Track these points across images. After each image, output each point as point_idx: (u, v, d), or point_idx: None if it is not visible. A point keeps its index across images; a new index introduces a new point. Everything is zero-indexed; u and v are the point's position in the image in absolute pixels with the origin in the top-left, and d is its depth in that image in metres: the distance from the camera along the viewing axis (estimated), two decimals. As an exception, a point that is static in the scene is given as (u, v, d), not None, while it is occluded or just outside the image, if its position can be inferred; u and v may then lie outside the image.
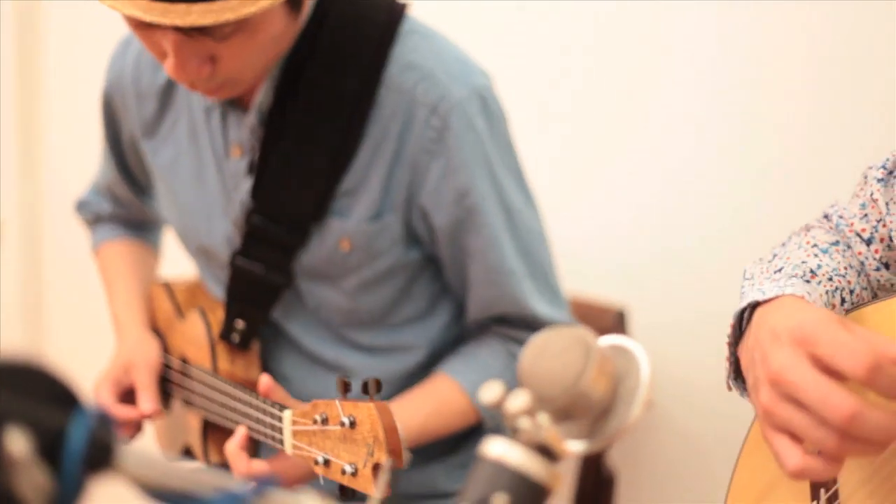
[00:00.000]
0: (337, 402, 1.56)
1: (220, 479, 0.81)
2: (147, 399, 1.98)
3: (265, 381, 1.75)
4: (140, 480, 0.78)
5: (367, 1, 1.96)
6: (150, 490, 0.78)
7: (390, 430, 1.51)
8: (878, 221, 1.50)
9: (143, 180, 2.30)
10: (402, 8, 1.97)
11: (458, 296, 2.09)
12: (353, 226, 1.94)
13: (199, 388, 1.97)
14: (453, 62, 1.95)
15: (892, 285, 1.50)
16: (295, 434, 1.66)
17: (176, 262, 2.45)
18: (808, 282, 1.39)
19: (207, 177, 2.06)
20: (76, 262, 3.16)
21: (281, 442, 1.69)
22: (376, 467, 1.51)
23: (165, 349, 2.12)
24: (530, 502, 0.91)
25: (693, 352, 1.63)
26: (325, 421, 1.59)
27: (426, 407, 1.97)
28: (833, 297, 1.40)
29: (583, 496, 2.57)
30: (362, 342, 2.06)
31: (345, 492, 1.56)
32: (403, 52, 1.92)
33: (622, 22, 2.66)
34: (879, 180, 1.51)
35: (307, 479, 1.81)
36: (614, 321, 2.53)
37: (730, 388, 1.43)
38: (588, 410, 0.96)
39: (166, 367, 2.08)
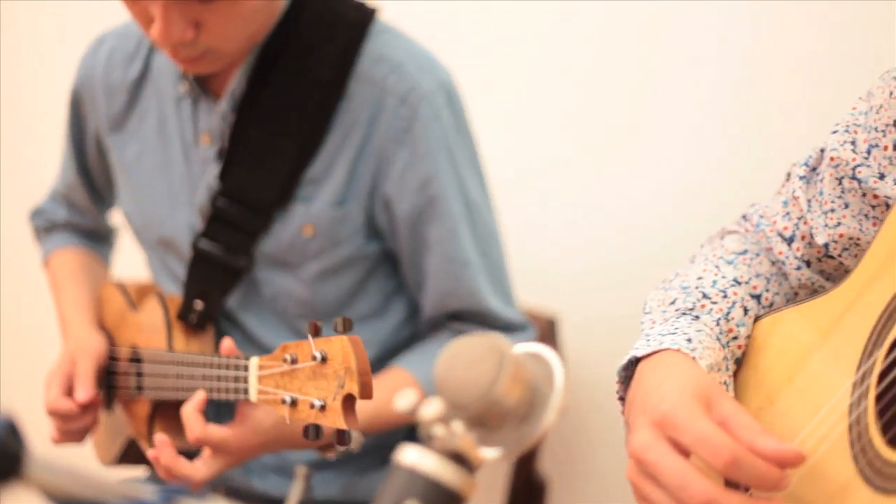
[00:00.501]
0: (310, 338, 1.58)
1: (130, 489, 0.81)
2: (83, 387, 1.98)
3: (227, 342, 1.78)
4: (48, 489, 0.78)
5: (340, 1, 2.05)
6: (59, 499, 0.78)
7: (362, 360, 1.53)
8: (800, 219, 1.52)
9: (101, 184, 2.33)
10: (373, 11, 2.06)
11: (413, 295, 2.13)
12: (317, 211, 2.00)
13: (152, 370, 1.98)
14: (421, 57, 2.04)
15: (812, 284, 1.52)
16: (261, 379, 1.67)
17: (128, 268, 2.45)
18: (696, 318, 1.42)
19: (173, 167, 2.10)
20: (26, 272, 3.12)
21: (246, 391, 1.70)
22: (347, 399, 1.53)
23: (113, 345, 2.12)
24: (442, 509, 0.92)
25: (622, 357, 1.66)
26: (294, 361, 1.60)
27: (379, 394, 1.98)
28: (728, 318, 1.42)
29: (514, 503, 2.59)
30: None
31: (308, 432, 1.57)
32: (374, 47, 2.01)
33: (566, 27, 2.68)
34: (801, 178, 1.53)
35: (260, 448, 1.81)
36: (545, 329, 2.55)
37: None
38: (502, 417, 0.97)
39: (112, 359, 2.09)
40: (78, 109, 2.26)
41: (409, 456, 0.93)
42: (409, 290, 2.14)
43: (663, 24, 2.60)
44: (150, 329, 2.06)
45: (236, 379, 1.73)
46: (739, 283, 1.47)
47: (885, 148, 1.40)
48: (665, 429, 1.20)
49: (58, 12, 3.24)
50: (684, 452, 1.19)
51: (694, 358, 1.33)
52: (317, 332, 1.57)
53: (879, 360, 1.18)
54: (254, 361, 1.69)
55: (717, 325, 1.41)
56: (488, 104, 2.57)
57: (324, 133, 1.99)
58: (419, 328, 2.16)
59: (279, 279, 2.05)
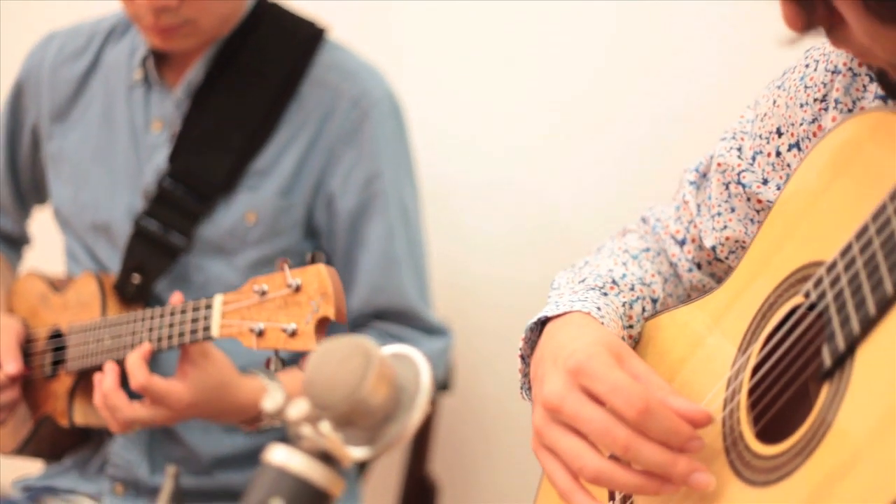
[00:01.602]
0: (285, 268, 1.62)
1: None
2: (11, 360, 2.03)
3: (178, 295, 1.85)
4: None
5: (294, 20, 2.22)
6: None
7: (338, 286, 1.58)
8: (690, 223, 1.56)
9: (27, 183, 2.38)
10: (324, 30, 2.22)
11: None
12: (262, 199, 2.09)
13: (77, 341, 2.00)
14: (371, 70, 2.23)
15: (703, 286, 1.56)
16: (225, 314, 1.71)
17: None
18: (605, 294, 1.45)
19: (117, 153, 2.18)
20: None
21: (207, 329, 1.74)
22: (321, 322, 1.57)
23: (29, 330, 2.16)
24: (308, 506, 0.92)
25: (515, 364, 1.68)
26: (264, 293, 1.64)
27: (296, 388, 2.00)
28: (632, 307, 1.46)
29: (406, 505, 2.60)
30: None
31: (270, 363, 1.63)
32: (328, 57, 2.19)
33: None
34: (692, 183, 1.57)
35: (195, 409, 1.85)
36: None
37: (523, 398, 1.46)
38: (369, 417, 0.98)
39: (28, 342, 2.13)
40: (18, 101, 2.33)
41: (278, 455, 0.95)
42: None
43: (553, 27, 2.63)
44: (77, 306, 2.09)
45: (194, 320, 1.77)
46: (644, 284, 1.50)
47: (769, 154, 1.44)
48: (580, 377, 1.21)
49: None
50: (597, 402, 1.20)
51: (602, 323, 1.36)
52: (289, 268, 1.63)
53: (753, 356, 1.21)
54: (218, 298, 1.73)
55: (623, 307, 1.44)
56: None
57: (273, 128, 2.11)
58: (345, 329, 2.17)
59: (213, 265, 2.11)
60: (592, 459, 1.19)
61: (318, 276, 1.59)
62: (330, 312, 1.57)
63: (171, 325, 1.81)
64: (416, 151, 2.26)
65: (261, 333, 1.63)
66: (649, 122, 2.57)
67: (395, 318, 2.16)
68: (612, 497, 1.37)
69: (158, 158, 2.13)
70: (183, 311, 1.80)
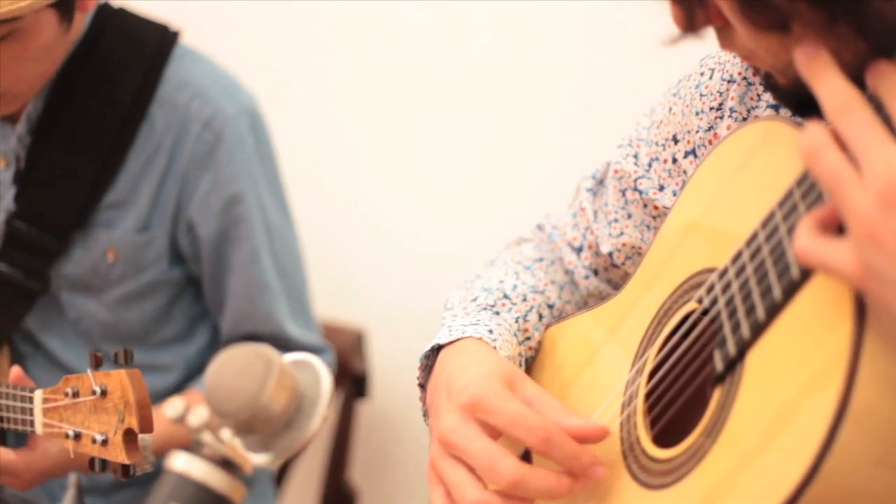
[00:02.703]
0: (89, 372, 1.57)
1: None
2: None
3: (15, 370, 1.74)
4: None
5: (141, 25, 2.03)
6: None
7: (141, 393, 1.52)
8: (587, 229, 1.58)
9: None
10: (175, 34, 2.04)
11: (215, 317, 2.14)
12: (120, 236, 1.99)
13: None
14: (224, 82, 2.05)
15: (600, 292, 1.57)
16: (46, 412, 1.65)
17: None
18: (497, 313, 1.45)
19: None
20: None
21: (32, 424, 1.68)
22: (128, 433, 1.52)
23: None
24: (208, 513, 0.94)
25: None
26: (76, 394, 1.59)
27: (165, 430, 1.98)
28: (526, 319, 1.47)
29: (326, 514, 2.61)
30: None
31: (94, 464, 1.57)
32: (177, 72, 2.01)
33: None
34: (589, 190, 1.58)
35: (47, 474, 1.78)
36: (354, 342, 2.58)
37: (427, 426, 1.45)
38: (270, 424, 0.99)
39: None
40: None
41: (178, 462, 0.95)
42: (212, 312, 2.14)
43: (445, 30, 2.67)
44: None
45: (23, 410, 1.70)
46: (537, 291, 1.51)
47: (665, 161, 1.46)
48: (476, 412, 1.23)
49: None
50: (493, 435, 1.22)
51: (495, 347, 1.37)
52: (97, 365, 1.57)
53: (650, 360, 1.23)
54: (38, 394, 1.66)
55: (516, 322, 1.45)
56: (287, 120, 2.59)
57: (124, 157, 1.99)
58: (209, 349, 2.17)
59: (82, 302, 2.05)
60: (472, 492, 1.21)
61: (121, 384, 1.53)
62: (134, 425, 1.51)
63: (8, 409, 1.72)
64: (333, 152, 2.22)
65: (77, 437, 1.58)
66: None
67: (266, 341, 2.01)
68: None
69: (7, 197, 2.01)
70: (14, 398, 1.71)
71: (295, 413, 1.00)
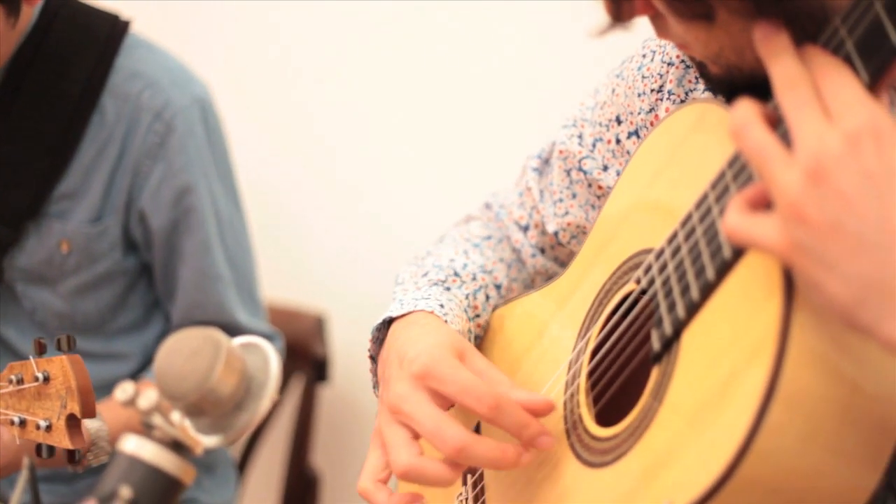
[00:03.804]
0: (32, 359, 1.58)
1: None
2: None
3: None
4: None
5: (91, 15, 2.03)
6: None
7: (82, 379, 1.53)
8: (533, 209, 1.60)
9: None
10: (126, 24, 2.04)
11: (166, 306, 2.15)
12: (74, 227, 2.00)
13: None
14: (176, 72, 2.05)
15: (546, 270, 1.60)
16: None
17: None
18: (448, 289, 1.48)
19: None
20: None
21: None
22: (70, 419, 1.54)
23: None
24: (159, 493, 0.96)
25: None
26: (20, 381, 1.60)
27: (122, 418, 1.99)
28: (475, 297, 1.49)
29: (289, 498, 2.62)
30: (78, 348, 2.08)
31: (41, 450, 1.58)
32: (128, 62, 2.01)
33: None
34: (535, 170, 1.61)
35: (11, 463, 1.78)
36: (314, 326, 2.60)
37: (376, 396, 1.47)
38: (219, 406, 1.01)
39: None
40: None
41: (129, 444, 0.97)
42: (162, 299, 2.16)
43: (403, 23, 2.69)
44: None
45: None
46: (486, 271, 1.54)
47: (609, 142, 1.48)
48: (427, 380, 1.24)
49: None
50: (443, 405, 1.24)
51: (446, 321, 1.39)
52: (41, 352, 1.58)
53: (593, 338, 1.25)
54: None
55: (466, 299, 1.48)
56: (244, 108, 2.61)
57: (75, 147, 1.99)
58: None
59: (37, 293, 2.06)
60: (406, 455, 1.23)
61: (63, 370, 1.54)
62: (76, 410, 1.52)
63: None
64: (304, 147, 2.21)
65: (22, 424, 1.60)
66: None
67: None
68: (464, 482, 1.41)
69: None
70: None
71: (244, 395, 1.02)
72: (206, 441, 1.02)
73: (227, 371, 1.00)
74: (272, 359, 1.04)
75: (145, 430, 0.99)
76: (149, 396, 0.98)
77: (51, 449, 1.57)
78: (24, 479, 1.14)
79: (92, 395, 1.54)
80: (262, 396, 1.02)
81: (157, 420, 0.98)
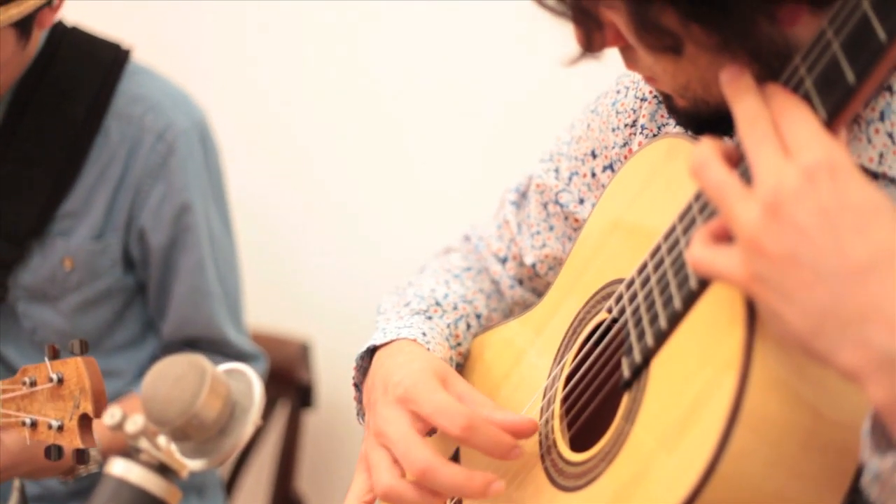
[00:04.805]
0: (46, 361, 1.61)
1: None
2: None
3: None
4: None
5: (94, 42, 2.11)
6: None
7: (96, 380, 1.57)
8: (511, 241, 1.64)
9: None
10: (127, 52, 2.13)
11: (156, 322, 2.20)
12: (77, 244, 2.06)
13: None
14: (177, 97, 2.14)
15: (525, 301, 1.63)
16: (3, 403, 1.69)
17: None
18: (430, 318, 1.51)
19: None
20: None
21: None
22: (83, 419, 1.57)
23: None
24: (144, 516, 0.99)
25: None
26: (33, 383, 1.63)
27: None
28: (457, 326, 1.53)
29: (273, 520, 2.65)
30: None
31: (50, 452, 1.61)
32: (131, 87, 2.09)
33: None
34: (513, 203, 1.65)
35: (5, 473, 1.81)
36: (299, 353, 2.63)
37: (360, 424, 1.50)
38: (204, 430, 1.04)
39: None
40: None
41: (117, 467, 1.00)
42: (153, 316, 2.20)
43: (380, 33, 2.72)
44: None
45: None
46: (466, 301, 1.57)
47: (584, 175, 1.52)
48: (407, 403, 1.28)
49: None
50: (425, 427, 1.27)
51: (428, 349, 1.42)
52: (55, 355, 1.61)
53: (567, 365, 1.28)
54: None
55: (448, 328, 1.51)
56: (237, 136, 2.63)
57: (79, 168, 2.05)
58: (158, 354, 2.20)
59: (38, 311, 2.10)
60: (388, 477, 1.27)
61: (77, 371, 1.58)
62: (89, 410, 1.56)
63: None
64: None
65: (34, 425, 1.63)
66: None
67: (205, 346, 2.17)
68: None
69: None
70: None
71: (228, 420, 1.05)
72: (192, 464, 1.05)
73: (212, 396, 1.03)
74: (256, 385, 1.06)
75: (132, 453, 1.02)
76: (135, 421, 1.01)
77: (59, 450, 1.60)
78: (15, 500, 1.16)
79: (104, 395, 1.59)
80: (246, 421, 1.05)
81: (143, 444, 1.01)
